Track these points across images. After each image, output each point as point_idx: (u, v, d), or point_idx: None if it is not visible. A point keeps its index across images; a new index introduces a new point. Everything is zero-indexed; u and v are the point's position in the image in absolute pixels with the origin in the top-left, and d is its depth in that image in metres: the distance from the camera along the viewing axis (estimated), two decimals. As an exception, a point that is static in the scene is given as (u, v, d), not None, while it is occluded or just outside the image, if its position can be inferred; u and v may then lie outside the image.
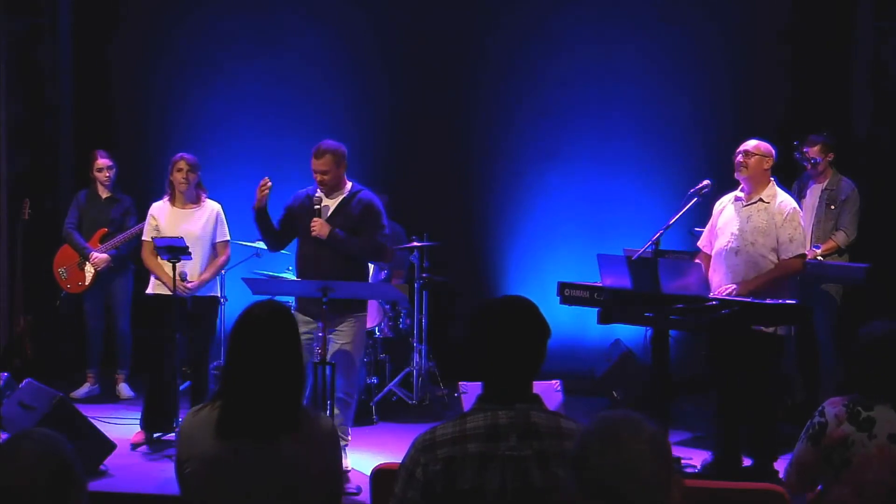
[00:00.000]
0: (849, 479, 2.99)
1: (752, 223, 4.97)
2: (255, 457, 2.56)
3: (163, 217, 5.69)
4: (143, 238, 5.80)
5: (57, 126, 7.56)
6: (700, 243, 5.34)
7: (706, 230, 5.31)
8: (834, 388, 6.02)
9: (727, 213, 5.12)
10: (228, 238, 5.82)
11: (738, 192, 5.12)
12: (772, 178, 5.06)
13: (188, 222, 5.66)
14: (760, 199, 5.00)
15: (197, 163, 5.72)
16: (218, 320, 5.94)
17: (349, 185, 5.25)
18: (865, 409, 3.01)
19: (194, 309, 5.59)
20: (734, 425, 4.96)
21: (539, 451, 2.29)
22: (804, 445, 3.10)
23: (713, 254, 5.15)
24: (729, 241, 5.03)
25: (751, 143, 5.05)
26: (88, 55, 7.82)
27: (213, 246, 5.74)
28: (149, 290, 5.75)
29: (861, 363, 3.10)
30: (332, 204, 5.17)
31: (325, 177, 5.11)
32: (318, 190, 5.17)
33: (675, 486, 1.82)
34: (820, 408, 3.10)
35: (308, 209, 5.15)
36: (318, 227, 5.05)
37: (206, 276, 5.66)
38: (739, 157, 5.03)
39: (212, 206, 5.78)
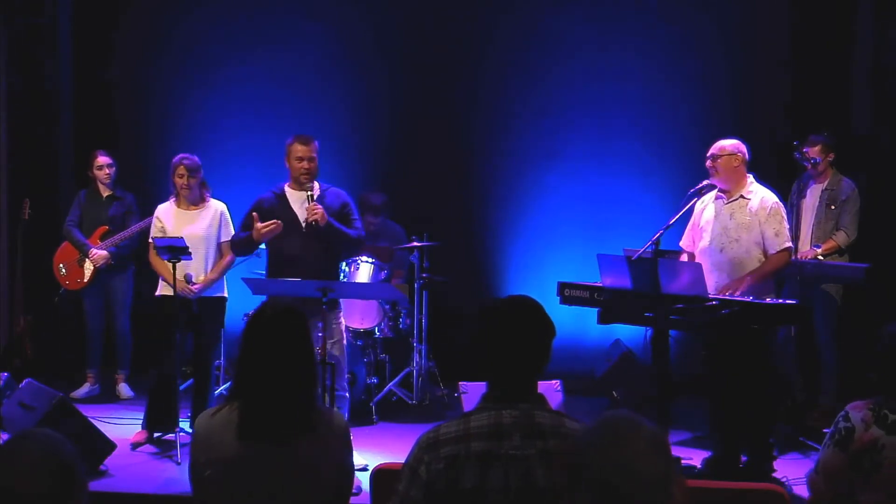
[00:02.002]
0: (879, 484, 2.93)
1: (736, 220, 5.02)
2: (277, 457, 2.58)
3: (168, 219, 5.68)
4: (150, 240, 5.78)
5: (57, 126, 7.56)
6: (682, 243, 5.36)
7: (687, 229, 5.33)
8: (834, 389, 6.04)
9: (709, 212, 5.15)
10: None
11: (717, 191, 5.15)
12: (749, 174, 5.08)
13: (193, 223, 5.66)
14: (741, 196, 5.04)
15: (197, 165, 5.69)
16: (224, 320, 5.92)
17: (316, 183, 5.30)
18: (892, 412, 2.96)
19: (200, 310, 5.58)
20: (733, 425, 4.96)
21: (543, 451, 2.29)
22: (831, 451, 3.02)
23: (697, 252, 5.18)
24: (713, 239, 5.06)
25: (715, 146, 5.10)
26: (88, 55, 7.82)
27: (219, 246, 5.73)
28: (158, 292, 5.75)
29: (884, 365, 3.05)
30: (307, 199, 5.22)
31: (312, 163, 5.17)
32: (289, 184, 5.23)
33: (678, 485, 1.82)
34: (843, 412, 3.03)
35: (278, 208, 5.18)
36: (321, 212, 5.04)
37: (212, 276, 5.65)
38: (708, 163, 5.08)
39: (216, 206, 5.77)
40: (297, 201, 5.20)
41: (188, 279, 5.46)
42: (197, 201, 5.71)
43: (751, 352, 4.82)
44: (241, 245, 5.34)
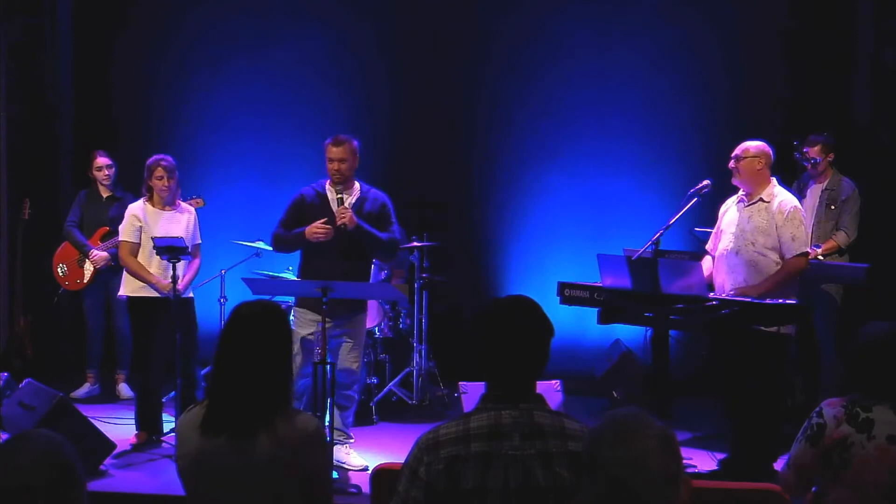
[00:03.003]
0: (848, 481, 2.98)
1: (753, 223, 4.99)
2: (236, 454, 2.58)
3: (145, 218, 5.66)
4: (121, 238, 5.73)
5: (57, 126, 7.56)
6: (708, 246, 5.36)
7: (713, 233, 5.33)
8: (835, 389, 6.04)
9: (730, 215, 5.14)
10: (200, 241, 5.84)
11: (741, 194, 5.14)
12: (772, 178, 5.06)
13: (171, 224, 5.67)
14: (761, 199, 5.02)
15: (174, 166, 5.68)
16: (196, 320, 5.88)
17: (358, 184, 5.26)
18: (864, 410, 3.00)
19: (177, 311, 5.56)
20: (737, 425, 4.96)
21: (542, 451, 2.29)
22: (802, 446, 3.09)
23: (717, 254, 5.16)
24: (730, 242, 5.04)
25: (740, 147, 5.08)
26: (88, 55, 7.82)
27: (191, 248, 5.72)
28: (123, 293, 5.69)
29: (859, 364, 3.09)
30: (347, 201, 5.17)
31: (343, 165, 5.12)
32: (329, 182, 5.19)
33: (684, 484, 1.84)
34: (818, 409, 3.09)
35: (318, 206, 5.15)
36: (349, 215, 5.03)
37: (188, 277, 5.68)
38: (731, 164, 5.07)
39: (190, 209, 5.82)
40: (335, 201, 5.16)
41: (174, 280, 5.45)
42: (172, 202, 5.73)
43: (765, 353, 4.81)
44: (288, 242, 5.20)
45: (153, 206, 5.70)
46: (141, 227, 5.65)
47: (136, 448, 5.49)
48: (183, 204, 5.82)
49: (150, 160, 5.69)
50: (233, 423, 2.59)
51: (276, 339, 2.69)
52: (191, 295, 5.79)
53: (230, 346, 2.66)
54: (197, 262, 5.79)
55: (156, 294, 5.55)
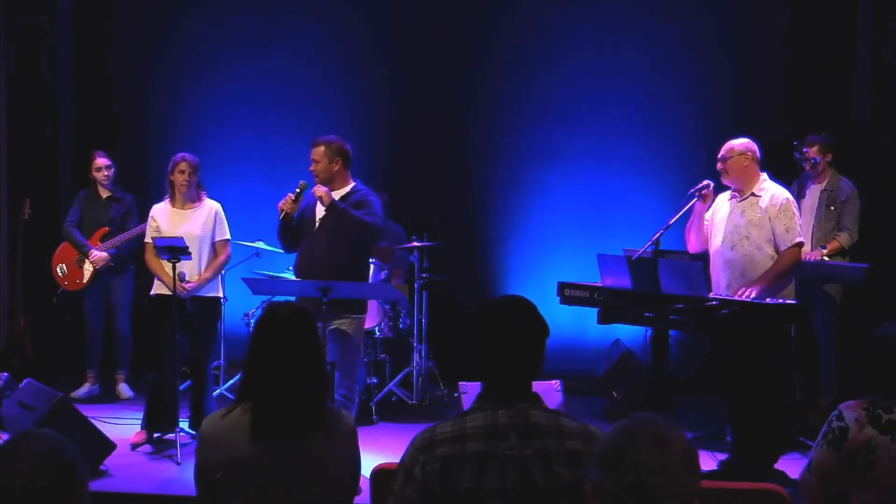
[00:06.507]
0: (872, 484, 2.94)
1: (747, 217, 5.04)
2: (290, 456, 2.60)
3: (163, 218, 5.69)
4: (145, 240, 5.79)
5: (57, 126, 7.56)
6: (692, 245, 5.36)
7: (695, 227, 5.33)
8: (834, 389, 6.04)
9: (722, 211, 5.17)
10: (228, 237, 5.80)
11: (732, 191, 5.16)
12: (762, 172, 5.09)
13: (188, 222, 5.66)
14: (752, 194, 5.06)
15: (197, 163, 5.72)
16: (220, 320, 5.89)
17: (352, 184, 5.25)
18: (886, 412, 2.96)
19: (194, 309, 5.58)
20: (737, 425, 4.96)
21: (540, 450, 2.28)
22: (824, 451, 3.00)
23: (711, 251, 5.18)
24: (725, 238, 5.07)
25: (725, 147, 5.11)
26: (88, 55, 7.82)
27: (213, 245, 5.73)
28: (152, 292, 5.74)
29: (879, 365, 3.06)
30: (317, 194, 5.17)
31: (315, 167, 5.18)
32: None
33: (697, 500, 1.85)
34: (836, 412, 3.04)
35: (310, 205, 5.17)
36: (281, 203, 5.07)
37: (206, 275, 5.64)
38: (719, 165, 5.09)
39: (211, 205, 5.77)
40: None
41: (181, 277, 5.45)
42: (193, 200, 5.73)
43: (763, 348, 4.81)
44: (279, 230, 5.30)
45: (174, 205, 5.71)
46: (157, 227, 5.67)
47: (135, 448, 5.49)
48: (207, 200, 5.79)
49: (175, 156, 5.72)
50: (290, 425, 2.60)
51: (314, 337, 2.74)
52: (218, 294, 5.79)
53: (273, 349, 2.67)
54: (221, 258, 5.74)
55: (170, 292, 5.54)
